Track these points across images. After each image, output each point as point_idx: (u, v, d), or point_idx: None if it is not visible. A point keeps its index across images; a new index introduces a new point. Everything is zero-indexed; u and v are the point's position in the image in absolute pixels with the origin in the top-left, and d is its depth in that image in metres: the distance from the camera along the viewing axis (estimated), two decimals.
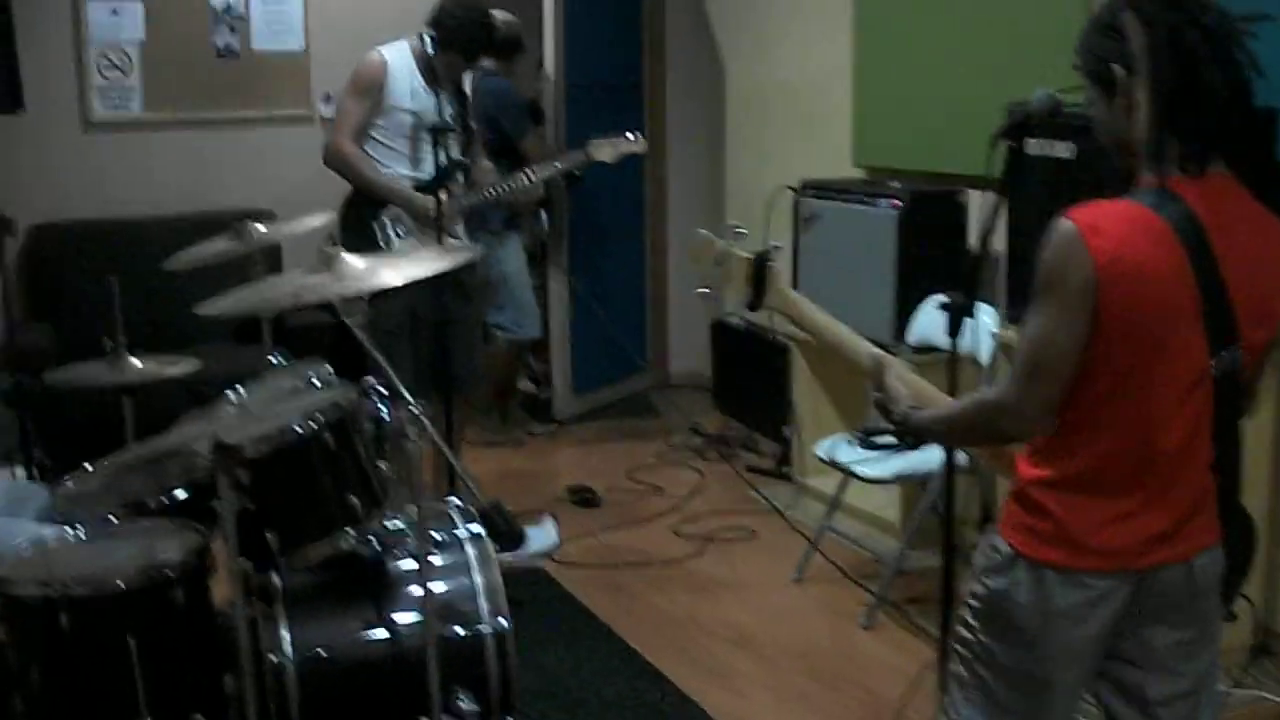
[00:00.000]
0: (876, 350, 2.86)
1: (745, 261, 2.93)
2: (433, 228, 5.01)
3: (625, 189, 7.36)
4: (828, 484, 5.75)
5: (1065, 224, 2.33)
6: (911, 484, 5.06)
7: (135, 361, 4.12)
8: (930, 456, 4.72)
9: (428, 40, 5.24)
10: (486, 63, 6.26)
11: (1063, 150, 4.37)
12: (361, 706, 3.30)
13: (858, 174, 6.24)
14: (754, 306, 2.96)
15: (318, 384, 3.64)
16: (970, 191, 5.40)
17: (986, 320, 4.80)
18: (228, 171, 6.96)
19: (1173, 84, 2.34)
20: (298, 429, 3.23)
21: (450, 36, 5.25)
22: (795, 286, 5.82)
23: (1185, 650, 2.60)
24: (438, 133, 5.00)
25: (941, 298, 2.91)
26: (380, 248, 5.22)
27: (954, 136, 5.65)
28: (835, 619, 4.82)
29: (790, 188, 5.95)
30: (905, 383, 2.82)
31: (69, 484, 3.36)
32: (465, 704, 3.20)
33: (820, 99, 6.71)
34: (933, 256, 5.35)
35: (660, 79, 7.71)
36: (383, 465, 3.48)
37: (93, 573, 3.07)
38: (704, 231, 2.98)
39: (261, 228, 4.12)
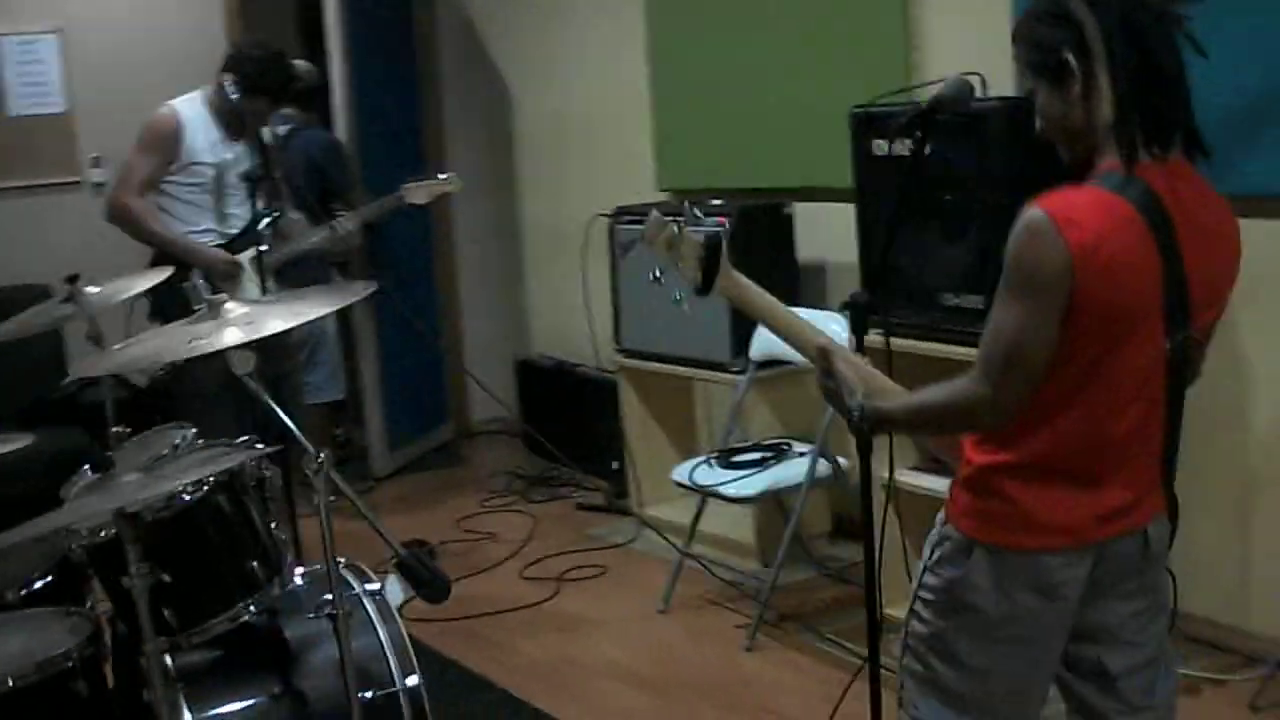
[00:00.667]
0: (825, 336, 2.75)
1: (697, 245, 2.80)
2: (230, 286, 4.77)
3: (411, 235, 7.14)
4: (671, 512, 5.67)
5: (1036, 214, 2.27)
6: (769, 502, 4.99)
7: None
8: (794, 471, 4.72)
9: (230, 87, 4.96)
10: (287, 110, 6.04)
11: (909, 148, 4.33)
12: None
13: (663, 198, 6.16)
14: (703, 291, 2.83)
15: (188, 448, 3.38)
16: (795, 204, 5.37)
17: (836, 329, 4.77)
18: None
19: (1132, 64, 2.31)
20: (192, 493, 2.98)
21: (255, 81, 5.01)
22: (617, 314, 5.80)
23: (1140, 621, 2.61)
24: (255, 182, 4.77)
25: (844, 299, 2.82)
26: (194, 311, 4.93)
27: (765, 151, 5.65)
28: (715, 645, 4.70)
29: (604, 215, 5.83)
30: (855, 370, 2.71)
31: None
32: None
33: (614, 127, 6.65)
34: (763, 271, 5.27)
35: (438, 119, 7.52)
36: (273, 528, 3.25)
37: None
38: (658, 214, 2.84)
39: (94, 289, 3.81)
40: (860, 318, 2.83)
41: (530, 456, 6.98)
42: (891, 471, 3.27)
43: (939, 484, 4.21)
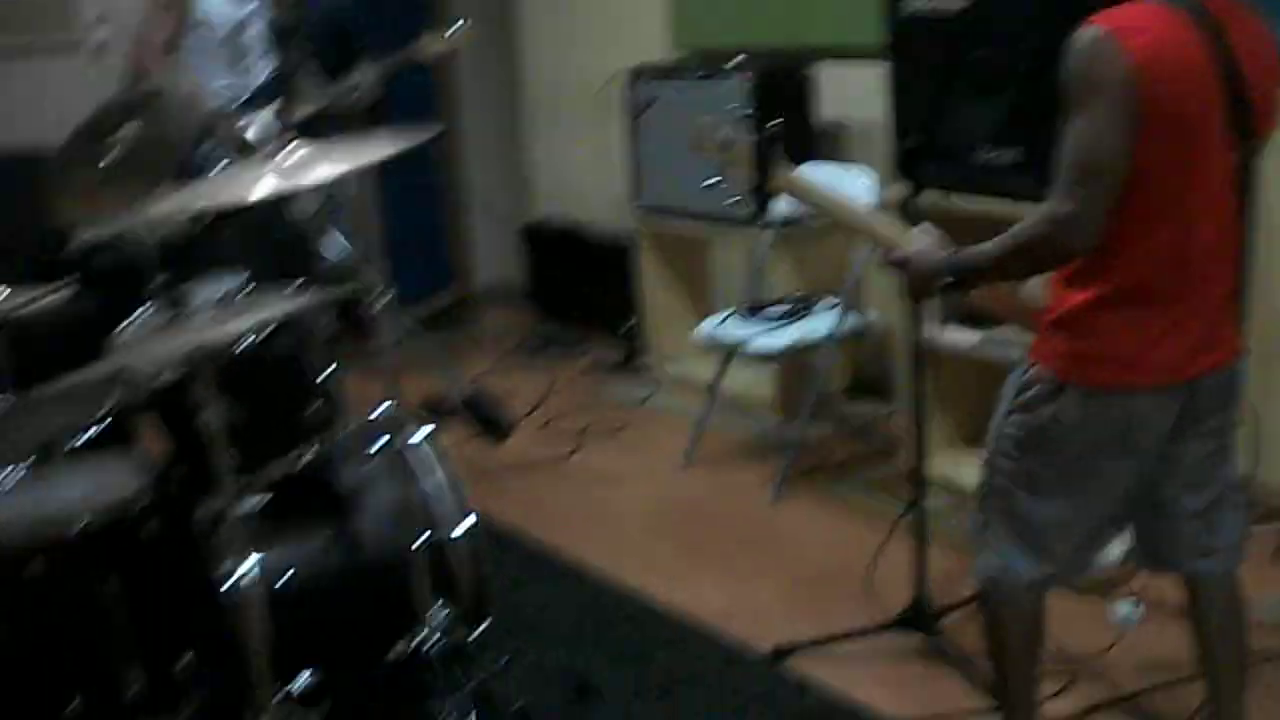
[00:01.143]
0: (890, 221, 2.78)
1: (749, 148, 2.81)
2: (244, 152, 4.72)
3: (413, 94, 7.05)
4: (688, 370, 5.71)
5: (1094, 30, 2.34)
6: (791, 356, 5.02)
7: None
8: (819, 324, 4.75)
9: None
10: None
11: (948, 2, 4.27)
12: (343, 626, 3.11)
13: (680, 56, 6.10)
14: (761, 189, 2.84)
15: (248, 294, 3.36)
16: (817, 62, 5.34)
17: (866, 184, 4.78)
18: None
19: None
20: (260, 335, 2.98)
21: None
22: (637, 173, 5.78)
23: (1212, 461, 2.67)
24: (284, 34, 4.71)
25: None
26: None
27: (786, 7, 5.59)
28: (743, 497, 4.76)
29: (623, 71, 5.79)
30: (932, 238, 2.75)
31: None
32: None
33: None
34: (785, 127, 5.27)
35: None
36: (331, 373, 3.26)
37: (50, 515, 2.77)
38: (707, 117, 2.85)
39: None
40: (913, 163, 2.85)
41: (540, 321, 6.98)
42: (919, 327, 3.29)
43: (967, 338, 4.27)
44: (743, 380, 5.41)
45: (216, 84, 5.00)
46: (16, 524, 2.72)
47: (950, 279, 2.64)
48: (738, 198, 2.93)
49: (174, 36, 4.95)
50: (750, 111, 2.76)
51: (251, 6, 5.00)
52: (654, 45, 6.20)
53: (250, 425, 2.94)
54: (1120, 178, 2.36)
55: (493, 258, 7.62)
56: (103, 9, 6.39)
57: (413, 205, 6.98)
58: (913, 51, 4.30)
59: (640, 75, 5.74)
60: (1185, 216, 2.43)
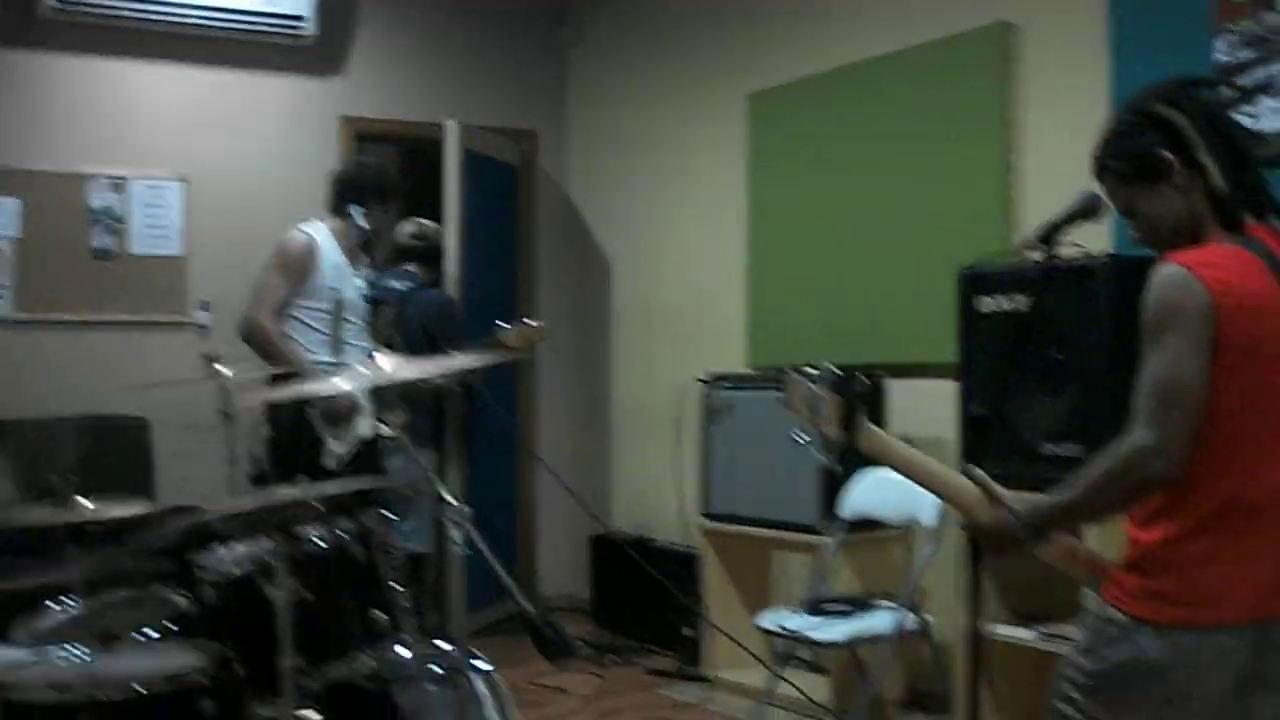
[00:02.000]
0: (969, 479, 2.83)
1: (838, 403, 2.91)
2: (345, 423, 4.91)
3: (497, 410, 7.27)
4: (744, 677, 5.69)
5: (1170, 266, 2.45)
6: (848, 664, 5.00)
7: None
8: (877, 622, 4.75)
9: (357, 215, 5.19)
10: (410, 268, 6.27)
11: (1018, 304, 4.44)
12: None
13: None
14: (846, 448, 2.92)
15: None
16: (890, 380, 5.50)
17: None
18: (99, 375, 6.66)
19: (1220, 145, 2.54)
20: (330, 538, 3.08)
21: (374, 189, 5.27)
22: (707, 477, 5.90)
23: None
24: (377, 306, 4.94)
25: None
26: (317, 440, 5.07)
27: (860, 325, 5.80)
28: None
29: (700, 380, 5.99)
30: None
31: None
32: None
33: (708, 304, 6.87)
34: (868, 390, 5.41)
35: (531, 293, 7.77)
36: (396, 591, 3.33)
37: (109, 678, 2.84)
38: (796, 374, 2.95)
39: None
40: (983, 435, 2.91)
41: (600, 630, 6.99)
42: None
43: (1022, 634, 4.27)
44: (800, 685, 5.37)
45: (317, 355, 5.17)
46: (77, 684, 2.77)
47: (1032, 531, 2.64)
48: (825, 458, 3.02)
49: (287, 299, 5.16)
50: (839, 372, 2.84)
51: (357, 281, 5.23)
52: (734, 363, 6.42)
53: (316, 624, 3.02)
54: (1200, 407, 2.41)
55: (561, 568, 7.68)
56: (209, 295, 6.76)
57: (489, 509, 7.09)
58: (983, 348, 4.45)
59: (715, 383, 5.93)
60: (1259, 452, 2.47)
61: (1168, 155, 2.55)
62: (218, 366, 3.90)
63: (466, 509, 3.16)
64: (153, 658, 3.00)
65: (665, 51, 7.27)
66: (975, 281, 4.56)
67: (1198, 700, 2.52)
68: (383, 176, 5.40)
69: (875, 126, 5.84)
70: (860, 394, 2.91)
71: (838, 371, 2.99)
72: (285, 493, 2.88)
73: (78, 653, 3.03)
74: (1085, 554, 2.77)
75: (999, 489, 2.74)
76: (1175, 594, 2.51)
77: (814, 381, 2.97)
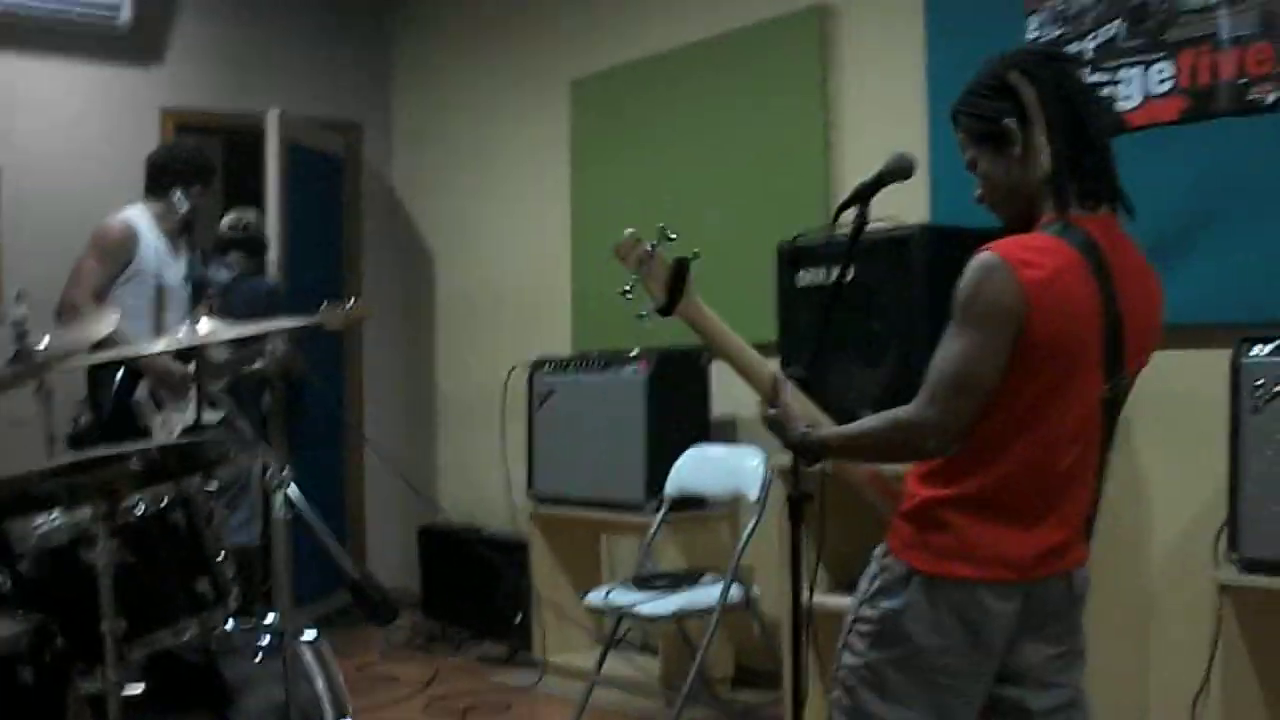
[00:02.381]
0: (773, 368, 2.90)
1: (666, 266, 2.95)
2: (177, 398, 4.85)
3: (320, 397, 7.21)
4: (576, 659, 5.73)
5: (989, 255, 2.47)
6: (676, 640, 5.06)
7: None
8: (704, 595, 4.82)
9: (178, 198, 5.14)
10: (232, 256, 6.21)
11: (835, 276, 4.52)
12: None
13: None
14: (666, 311, 2.97)
15: None
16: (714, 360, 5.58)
17: (755, 463, 4.93)
18: None
19: (1066, 126, 2.57)
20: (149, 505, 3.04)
21: (191, 170, 5.22)
22: (531, 462, 5.93)
23: (1062, 662, 2.70)
24: (199, 288, 4.89)
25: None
26: (141, 426, 5.00)
27: None
28: None
29: (523, 365, 6.03)
30: (800, 405, 2.85)
31: None
32: None
33: (531, 291, 6.92)
34: (679, 415, 5.49)
35: (357, 283, 7.73)
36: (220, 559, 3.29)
37: None
38: (631, 230, 2.98)
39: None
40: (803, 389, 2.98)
41: (430, 621, 6.96)
42: (812, 591, 3.25)
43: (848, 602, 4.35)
44: (629, 667, 5.43)
45: (138, 325, 5.10)
46: None
47: (806, 440, 2.71)
48: (644, 314, 3.05)
49: (105, 284, 5.09)
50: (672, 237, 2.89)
51: (178, 263, 5.18)
52: (561, 348, 6.46)
53: (139, 592, 2.97)
54: (986, 396, 2.48)
55: (390, 561, 7.64)
56: (22, 286, 6.57)
57: (318, 505, 7.01)
58: (802, 322, 4.53)
59: (540, 367, 5.97)
60: (1047, 440, 2.54)
61: (1012, 126, 2.58)
62: (32, 343, 3.80)
63: (293, 480, 3.12)
64: None
65: (489, 41, 7.29)
66: (792, 255, 4.64)
67: (949, 655, 2.58)
68: (199, 157, 5.37)
69: (697, 110, 5.93)
70: (687, 263, 2.94)
71: (671, 237, 3.03)
72: (103, 451, 2.83)
73: None
74: (888, 485, 2.83)
75: (794, 392, 2.80)
76: (947, 548, 2.57)
77: (649, 243, 3.01)
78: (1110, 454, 2.68)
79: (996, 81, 2.63)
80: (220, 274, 6.13)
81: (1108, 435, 2.65)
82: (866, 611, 2.68)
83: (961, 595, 2.57)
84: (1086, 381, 2.54)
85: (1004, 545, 2.56)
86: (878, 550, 2.72)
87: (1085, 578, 2.71)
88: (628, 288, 3.03)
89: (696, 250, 2.99)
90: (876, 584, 2.67)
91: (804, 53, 5.42)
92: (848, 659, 2.70)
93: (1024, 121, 2.58)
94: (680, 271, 2.96)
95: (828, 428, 2.75)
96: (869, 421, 2.64)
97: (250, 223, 6.36)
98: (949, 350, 2.50)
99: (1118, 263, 2.55)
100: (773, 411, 2.79)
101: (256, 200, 6.77)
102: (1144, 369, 2.68)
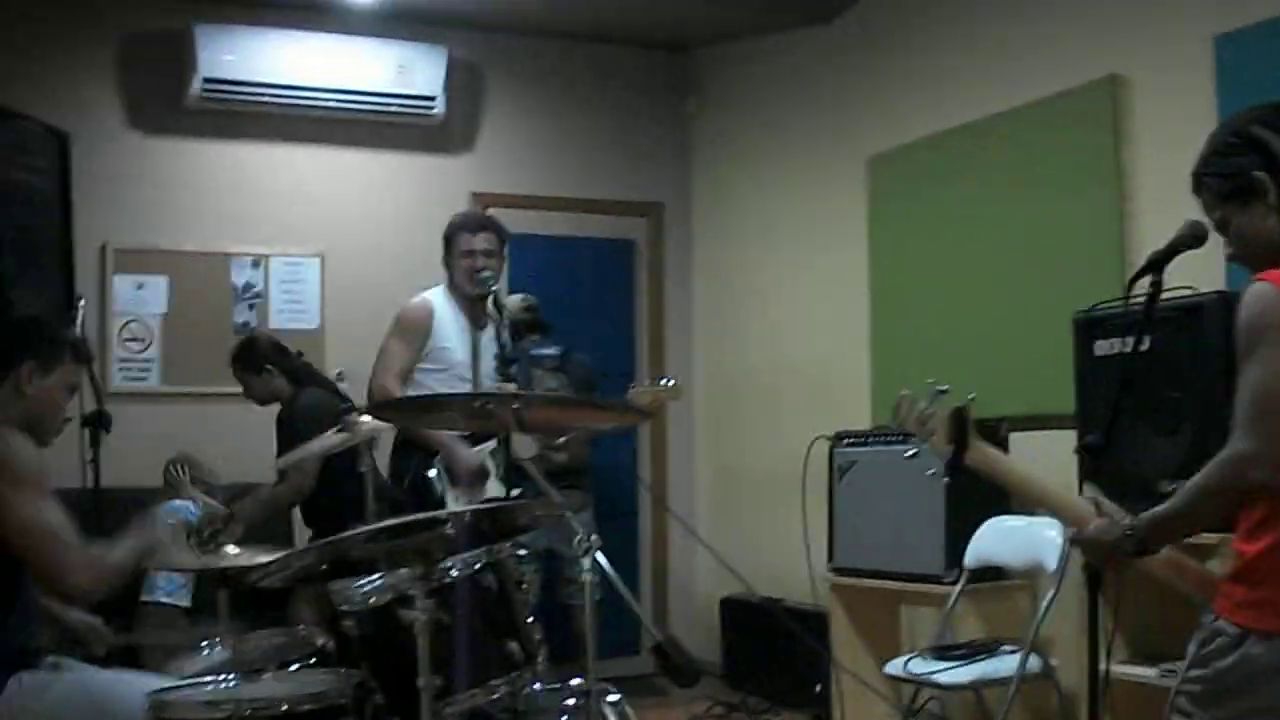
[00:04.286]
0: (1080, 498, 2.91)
1: (945, 420, 3.00)
2: (472, 490, 5.05)
3: (620, 465, 7.42)
4: None
5: (1260, 285, 2.55)
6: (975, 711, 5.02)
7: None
8: (1006, 662, 4.78)
9: None
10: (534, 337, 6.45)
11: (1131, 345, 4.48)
12: None
13: None
14: (955, 463, 3.01)
15: None
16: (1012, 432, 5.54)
17: (1053, 534, 4.88)
18: (242, 446, 6.88)
19: None
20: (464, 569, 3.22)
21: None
22: (831, 534, 5.97)
23: None
24: (508, 364, 5.08)
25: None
26: (432, 503, 5.21)
27: (982, 379, 5.84)
28: None
29: (824, 437, 6.08)
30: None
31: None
32: None
33: (833, 365, 6.96)
34: (978, 485, 5.44)
35: (660, 360, 7.92)
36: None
37: (252, 698, 3.00)
38: (906, 392, 3.05)
39: (366, 419, 4.14)
40: (1098, 463, 2.98)
41: (730, 690, 7.04)
42: (1109, 661, 3.22)
43: (1148, 673, 4.28)
44: None
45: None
46: (225, 704, 2.94)
47: (1137, 542, 2.71)
48: (933, 470, 3.11)
49: (410, 363, 5.37)
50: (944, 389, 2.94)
51: (483, 339, 5.36)
52: (859, 423, 6.49)
53: (451, 652, 3.15)
54: None
55: (691, 631, 7.75)
56: (345, 366, 6.96)
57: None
58: (1100, 391, 4.50)
59: (841, 440, 6.02)
60: None
61: (1262, 176, 2.64)
62: (356, 416, 4.07)
63: (598, 541, 3.26)
64: (295, 683, 3.17)
65: (787, 118, 7.44)
66: (1089, 326, 4.62)
67: None
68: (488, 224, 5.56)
69: (992, 183, 5.96)
70: (965, 412, 2.97)
71: (943, 389, 3.08)
72: (420, 516, 3.03)
73: (225, 681, 3.22)
74: (1193, 569, 2.83)
75: (1107, 502, 2.82)
76: (1277, 603, 2.56)
77: (924, 400, 3.07)
78: None
79: (1240, 139, 2.69)
80: (550, 350, 6.33)
81: None
82: (1196, 673, 2.69)
83: None
84: None
85: None
86: (1206, 617, 2.72)
87: None
88: (912, 451, 3.09)
89: (973, 395, 3.02)
90: (1208, 647, 2.68)
91: (1097, 124, 5.40)
92: None
93: (1272, 171, 2.64)
94: (960, 422, 2.99)
95: (1155, 509, 2.73)
96: (1190, 485, 2.65)
97: (535, 304, 6.55)
98: (1249, 378, 2.53)
99: None
100: (1087, 533, 2.79)
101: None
102: None
